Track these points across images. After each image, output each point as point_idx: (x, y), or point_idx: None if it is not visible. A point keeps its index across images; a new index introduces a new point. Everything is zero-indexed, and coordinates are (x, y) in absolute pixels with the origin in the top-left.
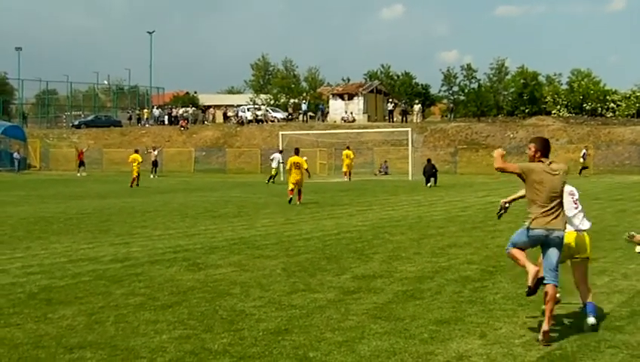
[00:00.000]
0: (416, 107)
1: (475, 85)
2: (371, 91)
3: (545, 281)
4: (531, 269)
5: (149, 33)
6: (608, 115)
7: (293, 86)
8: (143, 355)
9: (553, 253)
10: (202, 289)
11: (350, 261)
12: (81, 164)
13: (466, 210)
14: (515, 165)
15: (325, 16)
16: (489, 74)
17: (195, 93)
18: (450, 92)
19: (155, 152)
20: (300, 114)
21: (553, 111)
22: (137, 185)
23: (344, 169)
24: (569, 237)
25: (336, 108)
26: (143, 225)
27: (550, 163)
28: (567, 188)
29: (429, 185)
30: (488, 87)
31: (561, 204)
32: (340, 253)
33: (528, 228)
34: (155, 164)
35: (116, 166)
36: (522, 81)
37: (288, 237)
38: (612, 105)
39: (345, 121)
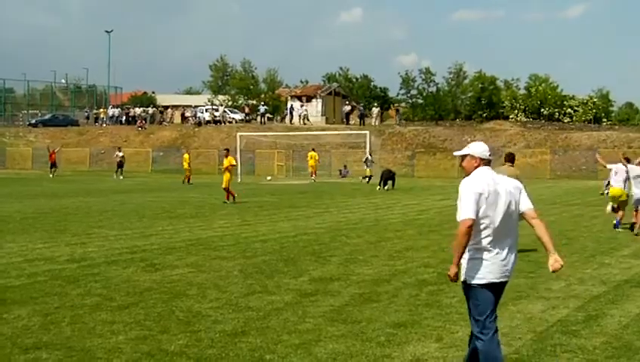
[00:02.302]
0: (375, 110)
1: (433, 89)
2: (330, 93)
3: None
4: None
5: (107, 32)
6: (565, 121)
7: (251, 87)
8: (99, 356)
9: None
10: (159, 290)
11: (307, 263)
12: (53, 165)
13: (423, 213)
14: None
15: (284, 18)
16: (447, 78)
17: (153, 93)
18: (409, 95)
19: (120, 153)
20: (257, 115)
21: (511, 116)
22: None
23: (309, 170)
24: None
25: (295, 110)
26: (100, 225)
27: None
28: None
29: (386, 188)
30: (446, 91)
31: None
32: (297, 255)
33: None
34: (120, 165)
35: (73, 165)
36: (480, 85)
37: (245, 239)
38: (569, 110)
39: (301, 118)
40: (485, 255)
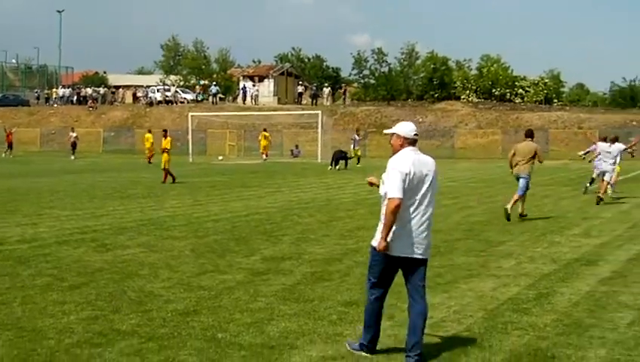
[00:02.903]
0: (326, 90)
1: (385, 69)
2: (282, 74)
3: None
4: None
5: (59, 12)
6: (517, 101)
7: (203, 67)
8: (50, 336)
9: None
10: (110, 270)
11: (259, 242)
12: (10, 146)
13: (374, 192)
14: None
15: None
16: (399, 58)
17: (105, 73)
18: (361, 75)
19: (74, 134)
20: (209, 95)
21: (462, 96)
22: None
23: (261, 150)
24: None
25: (247, 90)
26: (51, 205)
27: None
28: None
29: (337, 167)
30: (398, 72)
31: None
32: (249, 234)
33: None
34: (73, 145)
35: (24, 146)
36: (432, 65)
37: (197, 219)
38: (521, 91)
39: (253, 98)
40: (404, 230)
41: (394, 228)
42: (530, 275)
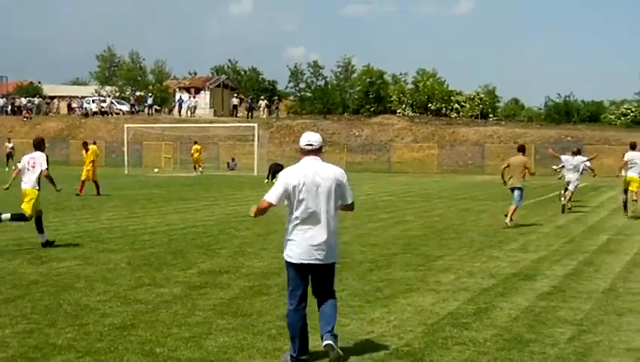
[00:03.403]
0: (263, 103)
1: (321, 82)
2: (218, 86)
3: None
4: None
5: None
6: (453, 116)
7: (139, 78)
8: None
9: None
10: (46, 282)
11: (196, 256)
12: None
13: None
14: None
15: (173, 8)
16: (336, 71)
17: (39, 83)
18: (297, 89)
19: (10, 144)
20: (145, 107)
21: (398, 111)
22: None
23: (193, 163)
24: None
25: (183, 102)
26: None
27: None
28: None
29: (274, 180)
30: (335, 85)
31: None
32: (186, 247)
33: None
34: (9, 155)
35: None
36: (368, 79)
37: (133, 231)
38: (456, 105)
39: (189, 110)
40: (297, 236)
41: (293, 235)
42: (470, 290)
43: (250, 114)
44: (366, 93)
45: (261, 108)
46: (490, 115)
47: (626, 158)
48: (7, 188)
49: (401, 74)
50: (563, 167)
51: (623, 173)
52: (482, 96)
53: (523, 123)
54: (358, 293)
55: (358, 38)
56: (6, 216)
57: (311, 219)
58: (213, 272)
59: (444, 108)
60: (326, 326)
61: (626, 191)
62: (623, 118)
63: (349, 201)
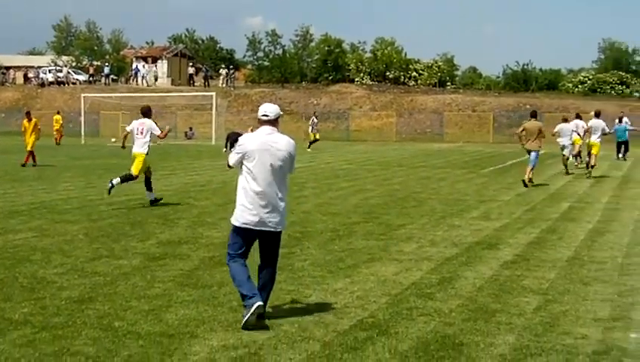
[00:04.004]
0: (223, 72)
1: (279, 51)
2: (175, 55)
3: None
4: None
5: None
6: (411, 84)
7: (96, 48)
8: None
9: None
10: (1, 255)
11: (155, 226)
12: None
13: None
14: None
15: None
16: (294, 40)
17: None
18: (255, 58)
19: None
20: (102, 76)
21: (356, 79)
22: None
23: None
24: None
25: (140, 72)
26: None
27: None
28: None
29: (232, 149)
30: (293, 54)
31: None
32: (144, 218)
33: None
34: None
35: None
36: (326, 48)
37: (91, 202)
38: (415, 74)
39: (146, 79)
40: (245, 202)
41: (243, 201)
42: (433, 259)
43: (207, 83)
44: (324, 62)
45: (221, 78)
46: (449, 84)
47: (590, 125)
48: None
49: (359, 42)
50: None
51: (587, 138)
52: (440, 64)
53: (481, 91)
54: (320, 263)
55: (316, 6)
56: (116, 180)
57: (260, 186)
58: (172, 243)
59: (403, 77)
60: (262, 293)
61: (581, 153)
62: (580, 86)
63: (291, 172)
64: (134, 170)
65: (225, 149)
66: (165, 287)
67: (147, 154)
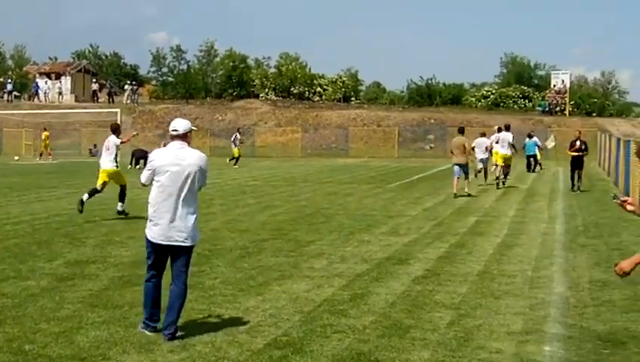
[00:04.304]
0: (128, 88)
1: (184, 67)
2: (79, 71)
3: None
4: None
5: None
6: (315, 99)
7: None
8: None
9: None
10: None
11: (62, 246)
12: None
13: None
14: None
15: None
16: (198, 56)
17: None
18: (160, 73)
19: None
20: (4, 93)
21: (261, 95)
22: None
23: (42, 150)
24: None
25: (43, 88)
26: None
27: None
28: None
29: (138, 167)
30: (197, 70)
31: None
32: (51, 237)
33: None
34: None
35: None
36: (231, 63)
37: None
38: (319, 89)
39: (47, 95)
40: (154, 218)
41: (152, 215)
42: (344, 275)
43: (111, 99)
44: (229, 78)
45: (125, 94)
46: (353, 99)
47: (499, 137)
48: None
49: (264, 58)
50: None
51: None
52: (345, 79)
53: (385, 106)
54: (231, 281)
55: (220, 22)
56: (85, 196)
57: (169, 201)
58: (80, 263)
59: (307, 92)
60: (169, 317)
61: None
62: (483, 101)
63: (203, 186)
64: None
65: (130, 166)
66: (75, 308)
67: (117, 168)
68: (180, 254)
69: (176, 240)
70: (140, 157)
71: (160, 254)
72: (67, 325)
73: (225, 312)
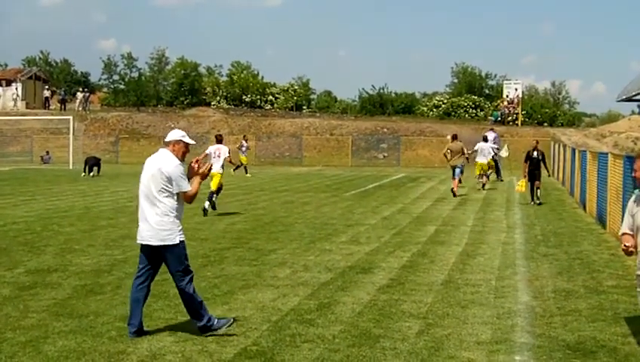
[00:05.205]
0: (80, 95)
1: (135, 74)
2: (30, 78)
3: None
4: None
5: None
6: (267, 108)
7: None
8: None
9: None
10: None
11: (21, 254)
12: None
13: (133, 200)
14: None
15: None
16: (150, 63)
17: None
18: (111, 80)
19: None
20: None
21: (213, 103)
22: None
23: None
24: None
25: None
26: None
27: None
28: None
29: (91, 174)
30: (149, 77)
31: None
32: (10, 245)
33: None
34: None
35: None
36: (182, 71)
37: None
38: (271, 97)
39: None
40: (142, 221)
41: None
42: (309, 284)
43: (63, 106)
44: (180, 85)
45: (77, 101)
46: (305, 107)
47: (476, 148)
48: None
49: (215, 66)
50: (476, 151)
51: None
52: (296, 88)
53: (337, 115)
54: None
55: (171, 30)
56: (207, 203)
57: (142, 202)
58: (41, 271)
59: (259, 101)
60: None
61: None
62: (435, 110)
63: (183, 189)
64: (213, 186)
65: (84, 173)
66: (40, 317)
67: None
68: (164, 255)
69: (145, 240)
70: (93, 164)
71: (144, 254)
72: (33, 334)
73: (192, 321)
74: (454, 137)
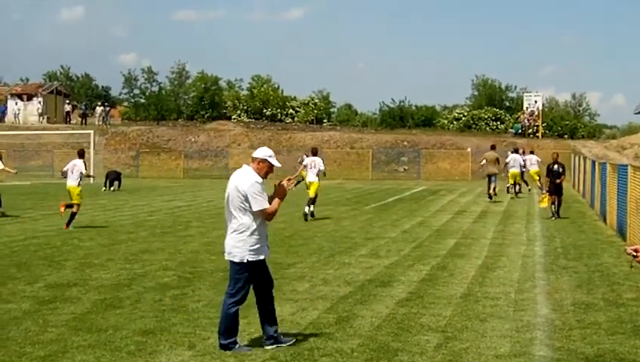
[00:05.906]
0: (99, 109)
1: (156, 88)
2: (51, 92)
3: None
4: None
5: None
6: (288, 121)
7: None
8: None
9: None
10: None
11: (41, 268)
12: None
13: (154, 214)
14: None
15: (3, 14)
16: (170, 77)
17: None
18: (131, 95)
19: None
20: None
21: (233, 117)
22: None
23: None
24: None
25: (14, 109)
26: None
27: None
28: None
29: (112, 188)
30: (169, 91)
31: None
32: (30, 259)
33: None
34: None
35: None
36: (203, 85)
37: None
38: (291, 111)
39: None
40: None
41: None
42: (327, 298)
43: (84, 121)
44: (200, 99)
45: (97, 115)
46: (325, 120)
47: (508, 159)
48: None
49: (236, 80)
50: (508, 163)
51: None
52: (317, 101)
53: (358, 128)
54: (215, 304)
55: (191, 43)
56: (306, 208)
57: (226, 216)
58: (61, 285)
59: (280, 114)
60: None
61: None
62: (455, 123)
63: (254, 209)
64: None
65: (104, 188)
66: (59, 332)
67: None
68: (231, 268)
69: (226, 254)
70: (114, 178)
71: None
72: (52, 349)
73: (211, 335)
74: (492, 147)
